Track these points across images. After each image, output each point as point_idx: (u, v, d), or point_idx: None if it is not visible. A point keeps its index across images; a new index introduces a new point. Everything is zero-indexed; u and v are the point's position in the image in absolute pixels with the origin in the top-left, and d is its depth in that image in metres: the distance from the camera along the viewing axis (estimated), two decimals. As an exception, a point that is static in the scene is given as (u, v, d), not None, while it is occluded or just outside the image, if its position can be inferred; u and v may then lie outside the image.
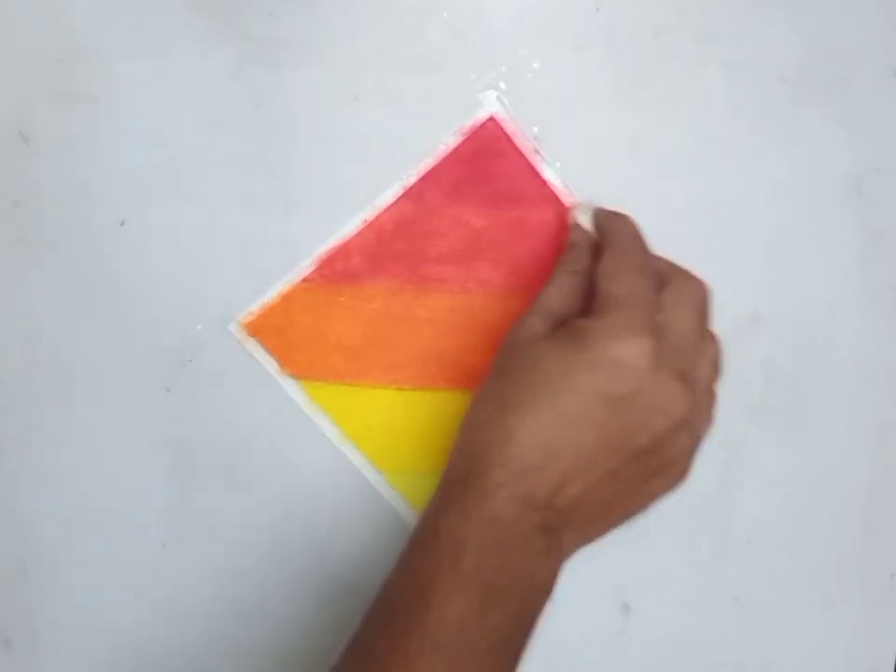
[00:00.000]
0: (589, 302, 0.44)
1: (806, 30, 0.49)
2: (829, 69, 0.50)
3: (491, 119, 0.49)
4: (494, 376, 0.44)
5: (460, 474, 0.43)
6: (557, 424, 0.41)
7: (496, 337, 0.50)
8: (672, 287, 0.44)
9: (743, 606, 0.52)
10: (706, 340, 0.45)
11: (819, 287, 0.51)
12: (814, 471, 0.52)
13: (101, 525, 0.51)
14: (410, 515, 0.51)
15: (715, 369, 0.45)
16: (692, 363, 0.43)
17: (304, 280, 0.50)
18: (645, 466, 0.42)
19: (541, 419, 0.41)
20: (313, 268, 0.50)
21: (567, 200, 0.49)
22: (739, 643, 0.52)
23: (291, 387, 0.50)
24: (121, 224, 0.49)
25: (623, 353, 0.41)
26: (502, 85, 0.49)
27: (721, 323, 0.50)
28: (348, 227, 0.50)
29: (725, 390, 0.51)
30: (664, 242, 0.50)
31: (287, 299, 0.50)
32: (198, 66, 0.49)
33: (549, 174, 0.49)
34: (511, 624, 0.41)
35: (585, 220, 0.48)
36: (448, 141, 0.49)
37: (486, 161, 0.49)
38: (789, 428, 0.52)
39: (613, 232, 0.47)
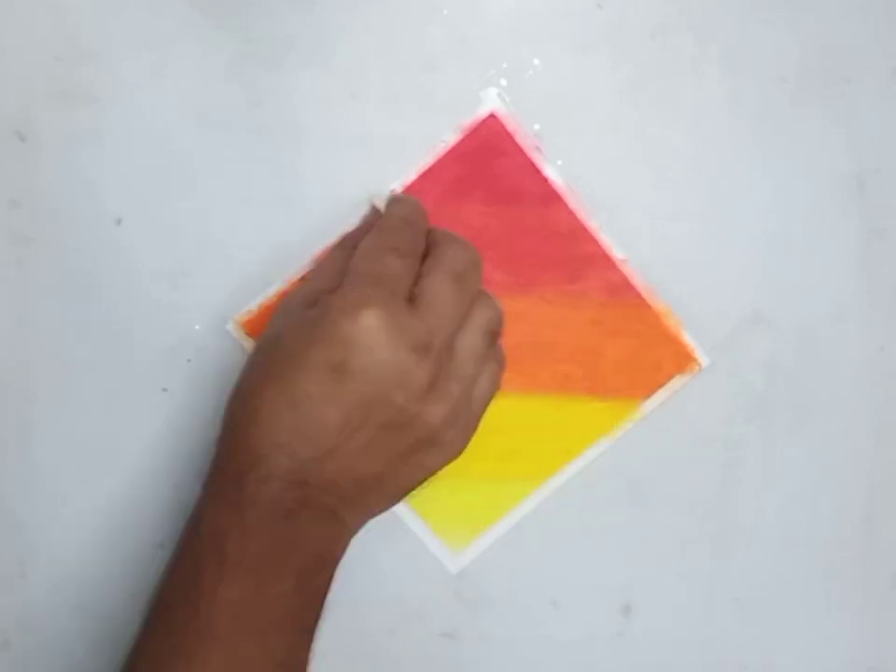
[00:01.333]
0: None
1: (806, 30, 0.50)
2: (829, 69, 0.50)
3: (492, 116, 0.49)
4: (252, 353, 0.45)
5: (217, 461, 0.44)
6: (296, 403, 0.41)
7: (496, 336, 0.50)
8: (430, 257, 0.45)
9: (744, 606, 0.52)
10: (472, 305, 0.44)
11: (819, 287, 0.51)
12: (815, 471, 0.52)
13: (99, 526, 0.50)
14: (409, 516, 0.51)
15: (482, 337, 0.44)
16: (444, 332, 0.43)
17: (303, 279, 0.50)
18: (400, 440, 0.43)
19: (282, 398, 0.41)
20: (311, 267, 0.50)
21: (568, 197, 0.49)
22: (740, 644, 0.52)
23: (290, 388, 0.50)
24: (119, 223, 0.49)
25: (353, 327, 0.41)
26: (503, 82, 0.49)
27: (721, 323, 0.51)
28: (347, 226, 0.49)
29: (725, 390, 0.51)
30: (663, 241, 0.50)
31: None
32: (197, 66, 0.49)
33: (550, 171, 0.49)
34: (291, 598, 0.42)
35: (381, 205, 0.49)
36: (448, 139, 0.49)
37: (487, 159, 0.49)
38: (789, 428, 0.52)
39: (386, 215, 0.48)
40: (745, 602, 0.52)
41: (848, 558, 0.52)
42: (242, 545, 0.41)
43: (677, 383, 0.51)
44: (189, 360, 0.50)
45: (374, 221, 0.47)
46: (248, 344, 0.50)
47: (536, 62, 0.49)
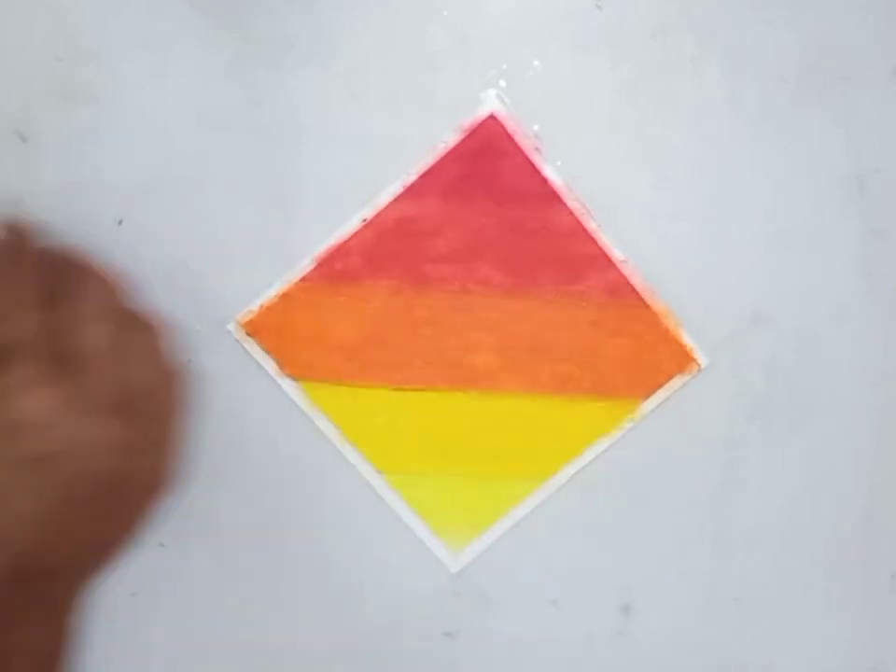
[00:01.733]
0: None
1: (806, 30, 0.49)
2: (829, 69, 0.50)
3: (491, 117, 0.49)
4: None
5: None
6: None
7: (496, 337, 0.50)
8: (70, 299, 0.41)
9: (743, 606, 0.52)
10: (132, 332, 0.42)
11: (819, 287, 0.51)
12: (815, 471, 0.52)
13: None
14: (409, 515, 0.51)
15: (152, 364, 0.42)
16: (117, 381, 0.40)
17: (303, 280, 0.50)
18: (107, 503, 0.40)
19: None
20: (312, 267, 0.50)
21: (568, 198, 0.49)
22: (740, 643, 0.52)
23: (290, 388, 0.50)
24: (119, 223, 0.49)
25: (23, 412, 0.37)
26: (502, 83, 0.49)
27: (721, 323, 0.51)
28: (348, 226, 0.49)
29: (725, 390, 0.51)
30: (663, 242, 0.50)
31: (285, 298, 0.50)
32: (197, 66, 0.49)
33: (549, 172, 0.49)
34: None
35: None
36: (448, 139, 0.49)
37: (487, 160, 0.49)
38: (789, 428, 0.52)
39: None
40: (745, 602, 0.52)
41: (848, 558, 0.52)
42: None
43: (676, 383, 0.51)
44: (189, 361, 0.50)
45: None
46: (249, 344, 0.50)
47: (535, 62, 0.49)
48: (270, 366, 0.50)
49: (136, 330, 0.42)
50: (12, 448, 0.37)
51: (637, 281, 0.50)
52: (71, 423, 0.38)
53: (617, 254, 0.50)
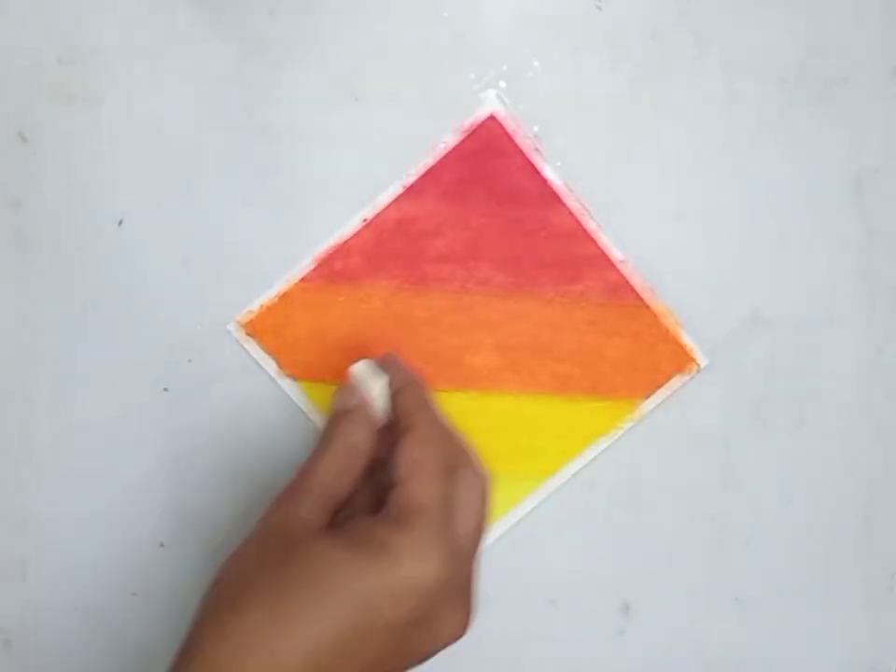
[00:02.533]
0: (370, 484, 0.41)
1: (806, 30, 0.50)
2: (829, 69, 0.50)
3: (491, 117, 0.49)
4: (265, 567, 0.38)
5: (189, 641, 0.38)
6: (337, 648, 0.35)
7: (496, 337, 0.50)
8: (462, 483, 0.40)
9: (743, 606, 0.52)
10: (462, 483, 0.40)
11: (819, 287, 0.51)
12: (814, 471, 0.52)
13: (100, 525, 0.51)
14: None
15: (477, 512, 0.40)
16: (473, 563, 0.40)
17: (303, 280, 0.50)
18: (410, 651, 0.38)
19: (321, 642, 0.35)
20: (312, 267, 0.50)
21: (567, 198, 0.49)
22: (739, 643, 0.52)
23: (290, 388, 0.50)
24: (120, 223, 0.49)
25: (424, 577, 0.36)
26: (502, 84, 0.49)
27: (720, 323, 0.51)
28: (348, 226, 0.50)
29: (725, 390, 0.51)
30: (662, 242, 0.50)
31: (285, 298, 0.50)
32: (198, 66, 0.49)
33: (549, 172, 0.49)
34: None
35: (367, 378, 0.42)
36: (448, 140, 0.49)
37: (486, 160, 0.49)
38: (788, 429, 0.52)
39: (411, 409, 0.41)
40: (744, 602, 0.52)
41: (847, 558, 0.52)
42: None
43: (676, 383, 0.51)
44: (189, 360, 0.50)
45: (362, 404, 0.42)
46: (249, 344, 0.50)
47: (535, 63, 0.49)
48: (270, 366, 0.50)
49: (464, 481, 0.40)
50: (397, 609, 0.36)
51: (636, 281, 0.50)
52: (445, 595, 0.37)
53: (616, 254, 0.50)
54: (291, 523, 0.38)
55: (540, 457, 0.51)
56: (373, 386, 0.41)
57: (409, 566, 0.36)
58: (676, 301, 0.50)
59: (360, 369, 0.42)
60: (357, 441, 0.40)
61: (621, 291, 0.50)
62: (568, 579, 0.52)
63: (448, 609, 0.38)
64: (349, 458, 0.40)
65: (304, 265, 0.50)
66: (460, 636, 0.40)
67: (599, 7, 0.49)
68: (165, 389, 0.50)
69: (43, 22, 0.48)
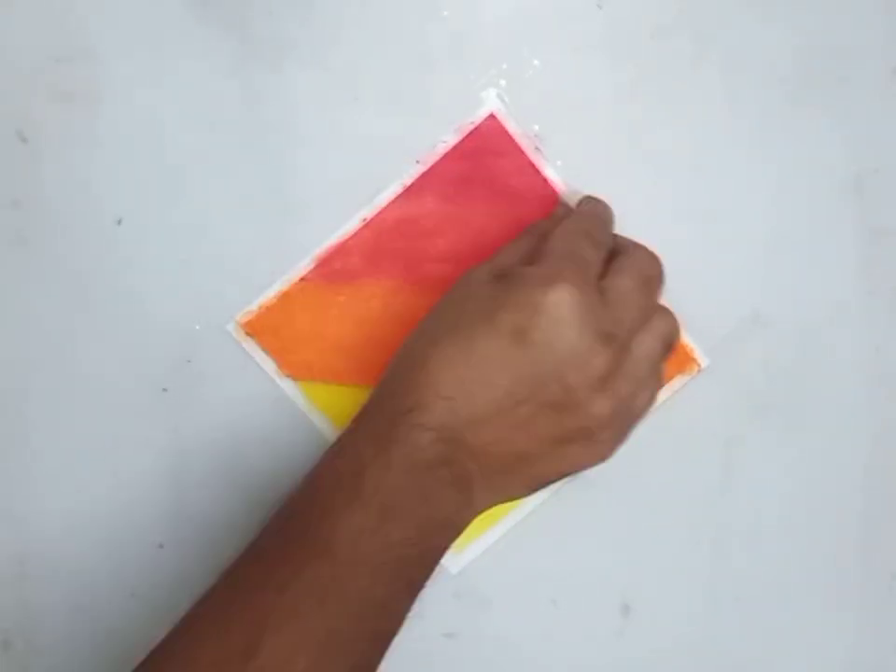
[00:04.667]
0: None
1: (806, 30, 0.50)
2: (829, 69, 0.50)
3: (491, 116, 0.49)
4: (428, 315, 0.45)
5: (374, 400, 0.44)
6: (472, 359, 0.41)
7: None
8: (622, 256, 0.45)
9: (744, 606, 0.52)
10: (652, 314, 0.44)
11: (819, 287, 0.51)
12: (814, 471, 0.52)
13: (99, 526, 0.51)
14: (409, 516, 0.51)
15: (661, 345, 0.45)
16: (625, 330, 0.43)
17: (303, 279, 0.50)
18: (559, 424, 0.42)
19: (458, 352, 0.42)
20: (311, 267, 0.50)
21: (568, 198, 0.49)
22: (740, 644, 0.52)
23: (289, 388, 0.50)
24: (119, 223, 0.49)
25: (546, 299, 0.41)
26: (502, 83, 0.49)
27: (721, 323, 0.51)
28: (347, 226, 0.50)
29: (725, 390, 0.51)
30: (663, 241, 0.50)
31: (285, 298, 0.50)
32: (197, 66, 0.49)
33: (549, 171, 0.49)
34: (408, 547, 0.41)
35: (572, 202, 0.49)
36: (448, 139, 0.49)
37: (487, 160, 0.49)
38: (789, 428, 0.52)
39: (579, 209, 0.48)
40: (745, 602, 0.52)
41: (848, 558, 0.52)
42: (379, 480, 0.40)
43: (676, 383, 0.51)
44: (189, 361, 0.50)
45: (564, 215, 0.47)
46: (248, 344, 0.50)
47: (535, 62, 0.49)
48: (269, 366, 0.50)
49: (658, 316, 0.45)
50: (520, 322, 0.41)
51: (637, 281, 0.50)
52: (577, 329, 0.41)
53: (617, 254, 0.50)
54: (462, 282, 0.46)
55: (541, 457, 0.51)
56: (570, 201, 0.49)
57: (528, 288, 0.41)
58: (676, 302, 0.49)
59: (569, 194, 0.50)
60: (540, 234, 0.46)
61: (621, 291, 0.50)
62: (569, 579, 0.52)
63: (593, 397, 0.42)
64: (529, 244, 0.46)
65: (304, 265, 0.50)
66: (606, 448, 0.44)
67: (599, 7, 0.49)
68: (164, 389, 0.50)
69: (42, 22, 0.48)
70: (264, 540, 0.42)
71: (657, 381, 0.45)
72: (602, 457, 0.44)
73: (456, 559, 0.51)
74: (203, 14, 0.48)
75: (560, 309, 0.41)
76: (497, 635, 0.52)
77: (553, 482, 0.45)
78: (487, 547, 0.51)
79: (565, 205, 0.49)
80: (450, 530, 0.43)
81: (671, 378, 0.51)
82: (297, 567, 0.39)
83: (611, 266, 0.44)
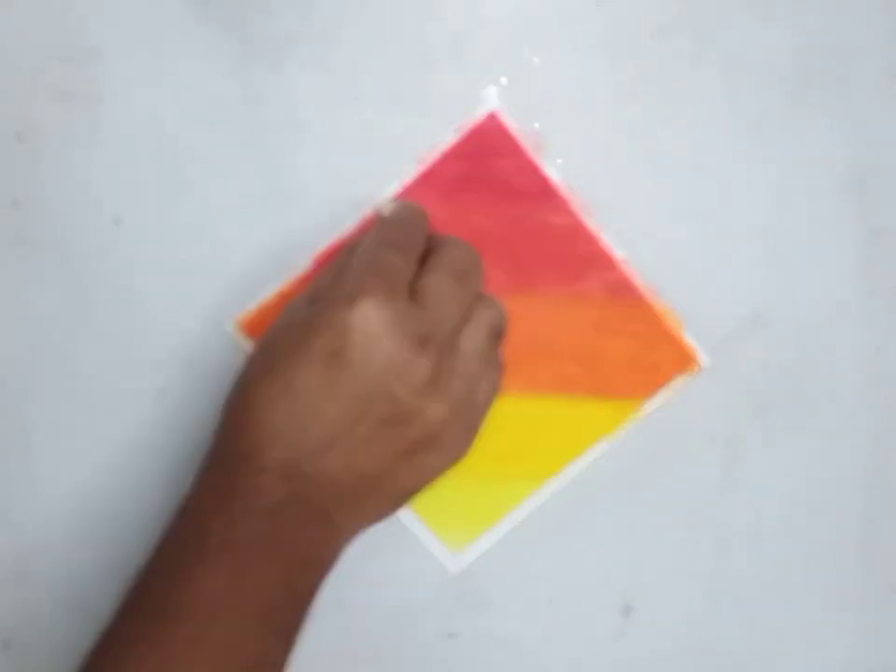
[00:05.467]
0: None
1: (806, 30, 0.49)
2: (829, 69, 0.50)
3: (491, 115, 0.49)
4: (250, 353, 0.44)
5: (211, 451, 0.43)
6: (294, 392, 0.41)
7: (496, 336, 0.50)
8: (432, 255, 0.44)
9: (744, 606, 0.52)
10: (474, 305, 0.44)
11: (819, 287, 0.51)
12: (814, 471, 0.52)
13: (99, 526, 0.51)
14: (408, 517, 0.51)
15: (488, 335, 0.44)
16: (445, 328, 0.42)
17: (303, 280, 0.50)
18: (400, 437, 0.42)
19: (280, 388, 0.41)
20: (311, 267, 0.50)
21: (568, 197, 0.49)
22: (740, 645, 0.52)
23: (290, 388, 0.50)
24: (118, 223, 0.49)
25: (353, 316, 0.40)
26: (503, 81, 0.49)
27: (721, 323, 0.51)
28: (347, 226, 0.49)
29: (725, 390, 0.51)
30: (664, 241, 0.50)
31: (284, 298, 0.50)
32: (197, 65, 0.49)
33: (550, 170, 0.49)
34: (270, 593, 0.41)
35: (386, 211, 0.48)
36: (448, 138, 0.49)
37: (487, 159, 0.49)
38: (789, 429, 0.52)
39: (383, 216, 0.47)
40: (745, 602, 0.52)
41: (849, 558, 0.52)
42: (225, 532, 0.40)
43: (677, 383, 0.51)
44: (188, 360, 0.50)
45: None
46: (248, 345, 0.50)
47: (536, 61, 0.49)
48: (269, 366, 0.50)
49: (480, 307, 0.44)
50: (332, 344, 0.40)
51: (637, 281, 0.50)
52: (391, 340, 0.40)
53: (618, 253, 0.50)
54: (279, 318, 0.45)
55: (541, 458, 0.51)
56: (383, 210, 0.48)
57: (333, 308, 0.41)
58: (677, 301, 0.50)
59: (383, 203, 0.49)
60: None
61: (622, 291, 0.50)
62: (569, 579, 0.52)
63: (425, 403, 0.41)
64: (344, 265, 0.44)
65: (304, 265, 0.50)
66: (436, 428, 0.42)
67: (599, 6, 0.49)
68: (163, 390, 0.50)
69: (42, 22, 0.48)
70: (122, 616, 0.42)
71: (494, 370, 0.45)
72: (455, 458, 0.44)
73: (456, 559, 0.51)
74: (202, 14, 0.48)
75: (368, 324, 0.40)
76: (497, 635, 0.52)
77: (415, 492, 0.44)
78: (487, 547, 0.51)
79: (379, 216, 0.48)
80: (318, 566, 0.43)
81: (671, 378, 0.51)
82: (153, 643, 0.39)
83: (424, 268, 0.43)
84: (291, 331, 0.42)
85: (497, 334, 0.45)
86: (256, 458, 0.41)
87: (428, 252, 0.45)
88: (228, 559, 0.40)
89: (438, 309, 0.42)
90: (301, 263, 0.49)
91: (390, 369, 0.40)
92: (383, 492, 0.43)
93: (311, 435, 0.41)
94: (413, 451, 0.42)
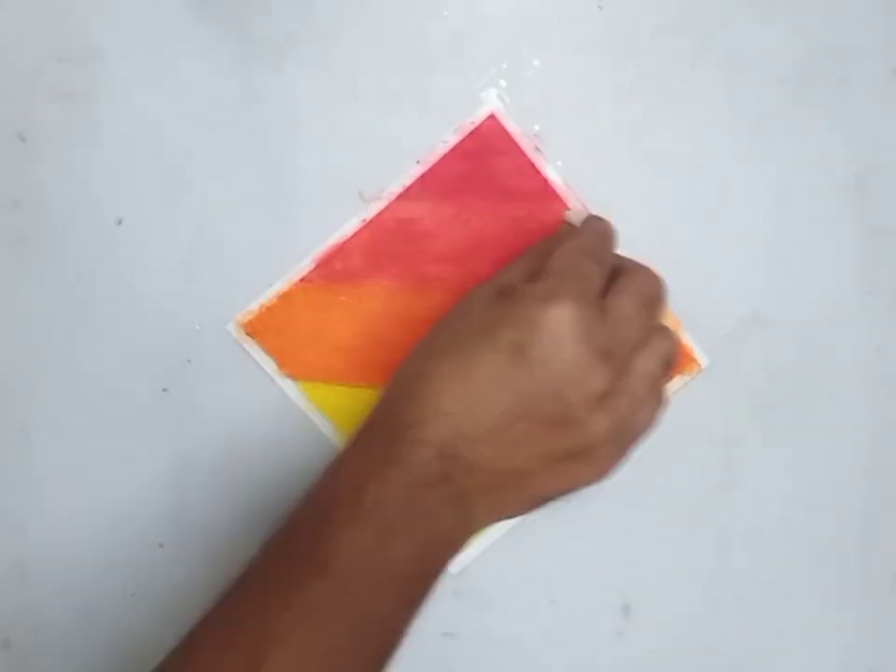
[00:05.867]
0: None
1: (806, 30, 0.49)
2: (829, 69, 0.50)
3: (491, 116, 0.49)
4: (430, 331, 0.45)
5: (374, 415, 0.44)
6: (471, 376, 0.41)
7: (496, 336, 0.50)
8: (624, 276, 0.45)
9: (744, 607, 0.52)
10: (653, 333, 0.44)
11: (819, 287, 0.51)
12: (814, 471, 0.52)
13: (99, 526, 0.51)
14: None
15: (662, 365, 0.44)
16: (625, 348, 0.43)
17: (303, 280, 0.50)
18: (559, 441, 0.42)
19: (458, 369, 0.42)
20: (312, 267, 0.50)
21: (568, 198, 0.49)
22: (740, 644, 0.52)
23: (290, 388, 0.50)
24: (119, 223, 0.49)
25: (546, 315, 0.41)
26: (503, 83, 0.49)
27: (721, 323, 0.51)
28: (348, 226, 0.49)
29: (725, 390, 0.51)
30: (663, 241, 0.50)
31: (285, 298, 0.50)
32: (197, 66, 0.49)
33: (550, 172, 0.49)
34: (408, 565, 0.41)
35: (575, 220, 0.49)
36: (448, 139, 0.49)
37: (487, 160, 0.49)
38: (789, 429, 0.52)
39: (583, 227, 0.48)
40: (745, 602, 0.52)
41: (849, 558, 0.52)
42: (379, 497, 0.40)
43: (677, 383, 0.51)
44: (189, 360, 0.50)
45: (568, 233, 0.47)
46: (248, 344, 0.50)
47: (536, 62, 0.49)
48: (269, 366, 0.50)
49: (658, 336, 0.45)
50: (519, 338, 0.41)
51: (637, 281, 0.50)
52: (576, 346, 0.41)
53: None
54: (465, 299, 0.46)
55: (541, 457, 0.51)
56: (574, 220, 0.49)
57: (528, 304, 0.42)
58: (677, 301, 0.50)
59: (573, 211, 0.50)
60: (545, 252, 0.45)
61: (621, 291, 0.50)
62: (569, 579, 0.52)
63: (591, 414, 0.42)
64: (533, 264, 0.46)
65: (304, 265, 0.50)
66: (603, 466, 0.44)
67: (600, 7, 0.49)
68: (164, 389, 0.50)
69: (41, 22, 0.48)
70: (265, 559, 0.42)
71: (658, 400, 0.45)
72: (601, 475, 0.44)
73: (456, 559, 0.51)
74: (203, 14, 0.48)
75: (559, 325, 0.41)
76: (497, 635, 0.52)
77: (552, 499, 0.45)
78: (487, 547, 0.51)
79: (569, 223, 0.49)
80: (450, 547, 0.43)
81: (672, 378, 0.50)
82: (297, 587, 0.39)
83: (613, 285, 0.44)
84: (479, 317, 0.43)
85: (669, 365, 0.45)
86: (419, 431, 0.41)
87: (616, 272, 0.45)
88: (377, 522, 0.40)
89: (622, 329, 0.43)
90: (301, 263, 0.50)
91: (569, 373, 0.41)
92: (525, 490, 0.44)
93: (476, 421, 0.41)
94: (565, 458, 0.43)
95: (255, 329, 0.50)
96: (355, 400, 0.50)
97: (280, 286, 0.50)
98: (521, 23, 0.49)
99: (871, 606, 0.52)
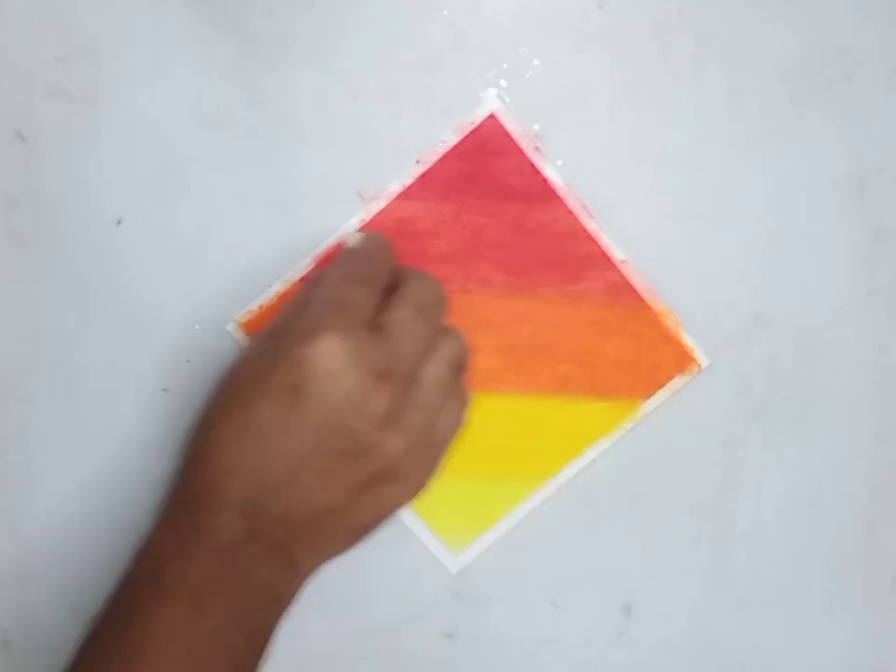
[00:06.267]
0: None
1: (806, 30, 0.49)
2: (829, 69, 0.50)
3: (491, 116, 0.49)
4: (212, 389, 0.44)
5: (173, 490, 0.44)
6: (253, 428, 0.41)
7: (496, 337, 0.50)
8: (398, 290, 0.44)
9: (744, 607, 0.52)
10: (437, 339, 0.44)
11: (820, 287, 0.51)
12: (815, 472, 0.52)
13: (99, 526, 0.51)
14: (408, 516, 0.51)
15: (450, 368, 0.44)
16: (406, 362, 0.42)
17: (303, 280, 0.50)
18: (359, 469, 0.42)
19: (238, 425, 0.41)
20: (312, 267, 0.50)
21: (567, 198, 0.49)
22: (741, 645, 0.52)
23: (290, 388, 0.50)
24: (118, 223, 0.49)
25: (312, 351, 0.40)
26: (503, 83, 0.49)
27: (721, 323, 0.51)
28: (347, 226, 0.49)
29: (725, 391, 0.51)
30: (663, 242, 0.50)
31: (285, 299, 0.50)
32: (196, 65, 0.49)
33: (550, 171, 0.49)
34: (231, 631, 0.41)
35: (352, 243, 0.48)
36: (448, 139, 0.49)
37: (487, 159, 0.49)
38: (790, 429, 0.51)
39: (346, 248, 0.47)
40: (745, 603, 0.52)
41: (849, 559, 0.52)
42: (181, 571, 0.40)
43: (677, 383, 0.51)
44: (188, 360, 0.50)
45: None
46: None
47: (536, 62, 0.49)
48: (269, 366, 0.50)
49: (442, 340, 0.44)
50: (291, 380, 0.41)
51: (637, 281, 0.50)
52: (349, 374, 0.40)
53: (617, 254, 0.50)
54: (240, 354, 0.45)
55: (541, 458, 0.51)
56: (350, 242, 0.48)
57: (290, 343, 0.41)
58: (677, 301, 0.50)
59: (349, 236, 0.49)
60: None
61: (622, 291, 0.50)
62: (569, 580, 0.52)
63: (383, 436, 0.41)
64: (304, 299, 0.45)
65: (304, 265, 0.50)
66: (394, 462, 0.42)
67: (600, 6, 0.49)
68: (165, 389, 0.50)
69: (41, 21, 0.48)
70: (82, 655, 0.42)
71: (456, 402, 0.45)
72: (416, 490, 0.44)
73: (456, 559, 0.51)
74: (202, 14, 0.48)
75: (326, 359, 0.40)
76: (497, 635, 0.52)
77: (375, 526, 0.44)
78: (487, 547, 0.51)
79: (343, 245, 0.49)
80: (276, 603, 0.43)
81: (671, 378, 0.51)
82: None
83: (388, 302, 0.44)
84: (251, 367, 0.43)
85: (459, 366, 0.45)
86: (214, 497, 0.41)
87: (394, 284, 0.45)
88: (183, 599, 0.40)
89: (399, 343, 0.42)
90: (301, 263, 0.49)
91: (348, 403, 0.41)
92: (341, 526, 0.43)
93: (270, 470, 0.41)
94: (370, 484, 0.42)
95: (255, 328, 0.50)
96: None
97: (280, 285, 0.50)
98: (521, 23, 0.49)
99: (871, 606, 0.52)
